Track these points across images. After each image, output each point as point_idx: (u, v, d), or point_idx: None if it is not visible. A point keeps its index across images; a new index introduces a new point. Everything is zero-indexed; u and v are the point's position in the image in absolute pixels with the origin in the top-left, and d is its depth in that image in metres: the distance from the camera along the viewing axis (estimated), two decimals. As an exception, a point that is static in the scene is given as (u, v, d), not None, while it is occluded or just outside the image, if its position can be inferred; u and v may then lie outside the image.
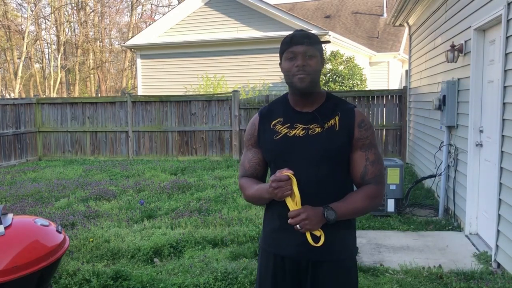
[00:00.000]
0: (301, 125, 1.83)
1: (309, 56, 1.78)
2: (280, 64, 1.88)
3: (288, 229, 1.83)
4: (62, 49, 29.21)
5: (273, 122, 1.89)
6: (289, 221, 1.72)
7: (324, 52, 1.95)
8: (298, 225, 1.71)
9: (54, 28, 30.74)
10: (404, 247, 4.64)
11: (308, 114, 1.84)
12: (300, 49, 1.78)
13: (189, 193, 7.03)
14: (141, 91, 15.82)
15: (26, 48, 27.08)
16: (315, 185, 1.80)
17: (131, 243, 4.62)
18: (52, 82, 28.57)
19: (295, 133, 1.83)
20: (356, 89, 13.21)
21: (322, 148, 1.79)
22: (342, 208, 1.77)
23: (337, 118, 1.83)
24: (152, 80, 15.68)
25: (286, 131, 1.85)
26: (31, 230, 2.88)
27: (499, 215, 3.99)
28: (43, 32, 30.89)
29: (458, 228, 5.24)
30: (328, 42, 1.96)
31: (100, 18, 32.72)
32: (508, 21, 3.84)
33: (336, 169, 1.83)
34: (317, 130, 1.81)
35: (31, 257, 2.65)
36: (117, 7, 34.15)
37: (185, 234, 4.84)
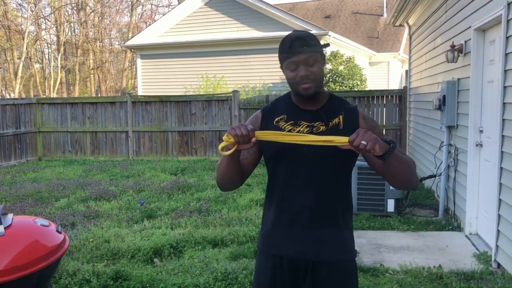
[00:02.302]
0: (305, 123, 1.82)
1: (311, 63, 1.75)
2: (281, 67, 1.85)
3: (287, 228, 1.82)
4: (62, 49, 29.21)
5: (276, 119, 1.87)
6: (354, 142, 1.55)
7: (324, 52, 1.91)
8: (363, 141, 1.54)
9: (54, 28, 30.76)
10: (404, 247, 4.64)
11: (312, 112, 1.83)
12: (301, 58, 1.74)
13: (189, 193, 7.03)
14: (141, 91, 15.82)
15: (26, 48, 27.09)
16: (317, 183, 1.79)
17: (131, 243, 4.62)
18: (52, 82, 28.58)
19: (299, 130, 1.81)
20: (356, 89, 13.21)
21: (326, 146, 1.76)
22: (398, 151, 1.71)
23: (341, 117, 1.83)
24: (152, 80, 15.68)
25: (290, 128, 1.83)
26: (31, 230, 2.88)
27: (499, 215, 3.99)
28: (43, 32, 30.93)
29: (458, 228, 5.24)
30: (328, 45, 1.94)
31: (100, 18, 32.73)
32: (508, 21, 3.84)
33: (339, 167, 1.82)
34: (322, 128, 1.80)
35: (31, 257, 2.65)
36: (117, 7, 34.18)
37: (185, 234, 4.83)
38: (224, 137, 1.67)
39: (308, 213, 1.79)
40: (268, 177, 1.92)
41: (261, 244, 1.92)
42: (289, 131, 1.82)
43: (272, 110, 1.91)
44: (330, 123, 1.81)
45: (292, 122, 1.83)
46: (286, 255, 1.83)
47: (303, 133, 1.80)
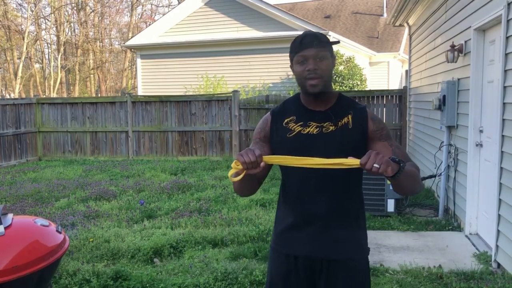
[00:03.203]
0: (314, 123, 1.83)
1: (320, 59, 1.77)
2: (291, 66, 1.87)
3: (301, 229, 1.83)
4: (62, 49, 29.21)
5: (286, 120, 1.88)
6: (367, 165, 1.55)
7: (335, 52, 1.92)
8: (376, 164, 1.53)
9: (54, 28, 30.75)
10: (404, 247, 4.64)
11: (321, 112, 1.84)
12: (310, 52, 1.76)
13: (189, 193, 7.03)
14: (141, 91, 15.82)
15: (26, 48, 27.08)
16: (331, 184, 1.80)
17: (131, 243, 4.62)
18: (52, 82, 28.57)
19: (309, 131, 1.82)
20: (356, 89, 13.21)
21: (336, 146, 1.79)
22: (407, 164, 1.68)
23: (350, 117, 1.83)
24: (152, 80, 15.67)
25: (299, 129, 1.84)
26: (31, 230, 2.88)
27: (499, 215, 3.99)
28: (43, 32, 30.92)
29: (458, 228, 5.24)
30: (338, 42, 1.95)
31: (100, 18, 32.73)
32: (508, 21, 3.84)
33: (351, 169, 1.81)
34: (331, 128, 1.81)
35: (31, 257, 2.65)
36: (117, 7, 34.17)
37: (185, 234, 4.84)
38: (233, 164, 1.68)
39: (323, 214, 1.81)
40: (282, 177, 1.93)
41: (275, 244, 1.93)
42: (299, 132, 1.83)
43: (282, 111, 1.92)
44: (339, 123, 1.82)
45: (302, 123, 1.84)
46: (301, 254, 1.84)
47: (313, 133, 1.82)
